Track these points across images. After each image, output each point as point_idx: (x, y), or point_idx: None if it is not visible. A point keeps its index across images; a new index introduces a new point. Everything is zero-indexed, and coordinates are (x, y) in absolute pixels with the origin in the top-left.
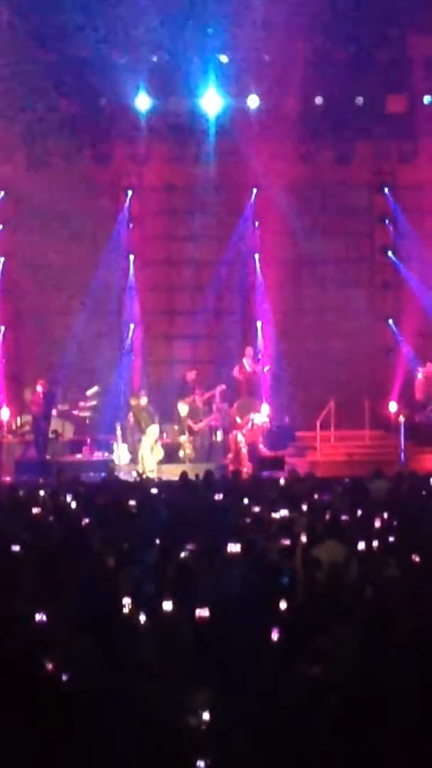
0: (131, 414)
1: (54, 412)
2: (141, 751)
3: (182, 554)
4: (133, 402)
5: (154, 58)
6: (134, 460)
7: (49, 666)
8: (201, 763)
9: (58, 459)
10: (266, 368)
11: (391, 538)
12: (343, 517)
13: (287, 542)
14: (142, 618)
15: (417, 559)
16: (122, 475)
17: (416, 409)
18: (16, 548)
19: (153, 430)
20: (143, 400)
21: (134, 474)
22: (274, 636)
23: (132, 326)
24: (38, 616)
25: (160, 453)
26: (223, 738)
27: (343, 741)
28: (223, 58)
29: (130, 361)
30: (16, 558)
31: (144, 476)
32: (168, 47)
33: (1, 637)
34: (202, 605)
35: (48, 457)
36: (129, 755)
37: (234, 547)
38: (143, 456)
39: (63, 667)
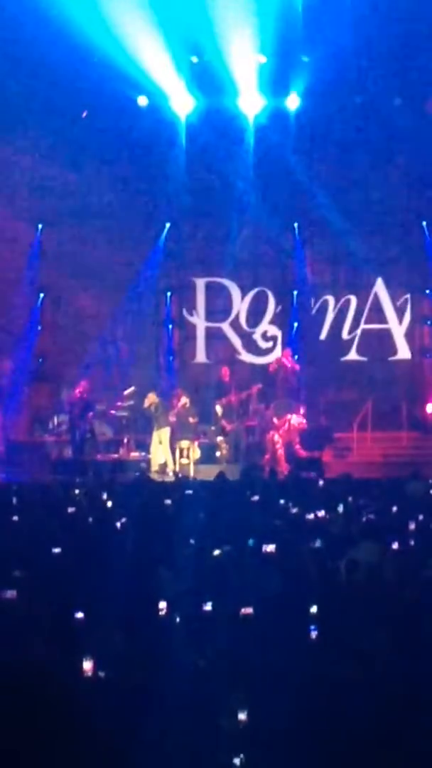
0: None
1: (91, 412)
2: (177, 749)
3: (217, 554)
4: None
5: (194, 59)
6: (171, 460)
7: (87, 665)
8: (237, 761)
9: (95, 459)
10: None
11: (427, 540)
12: (379, 519)
13: (323, 543)
14: (178, 618)
15: None
16: (158, 476)
17: None
18: (57, 550)
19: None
20: (153, 398)
21: (171, 473)
22: (312, 636)
23: (170, 326)
24: (77, 615)
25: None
26: (260, 738)
27: (380, 741)
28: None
29: (169, 361)
30: (55, 559)
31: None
32: (206, 48)
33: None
34: (244, 604)
35: (86, 457)
36: (165, 754)
37: (269, 548)
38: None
39: (101, 666)
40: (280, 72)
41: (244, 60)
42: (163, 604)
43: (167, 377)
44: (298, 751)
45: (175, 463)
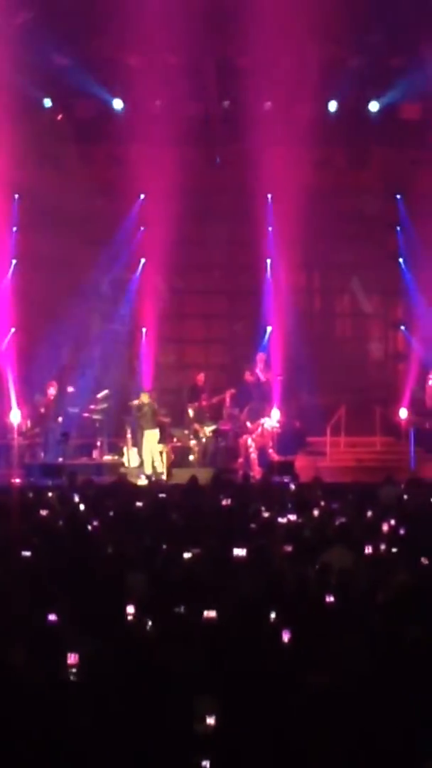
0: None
1: (62, 416)
2: (147, 752)
3: (188, 558)
4: (139, 401)
5: (171, 61)
6: (144, 463)
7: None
8: (206, 763)
9: (68, 462)
10: (279, 377)
11: (400, 544)
12: (352, 523)
13: (296, 547)
14: (149, 622)
15: (426, 562)
16: (132, 479)
17: (427, 415)
18: (26, 553)
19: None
20: (145, 398)
21: (143, 477)
22: (284, 642)
23: (144, 330)
24: (50, 617)
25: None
26: (230, 743)
27: (350, 749)
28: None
29: (142, 364)
30: (26, 562)
31: (153, 479)
32: (183, 50)
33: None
34: (209, 608)
35: (59, 460)
36: (135, 756)
37: (240, 552)
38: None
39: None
40: None
41: None
42: (131, 609)
43: (140, 380)
44: (269, 756)
45: (163, 465)
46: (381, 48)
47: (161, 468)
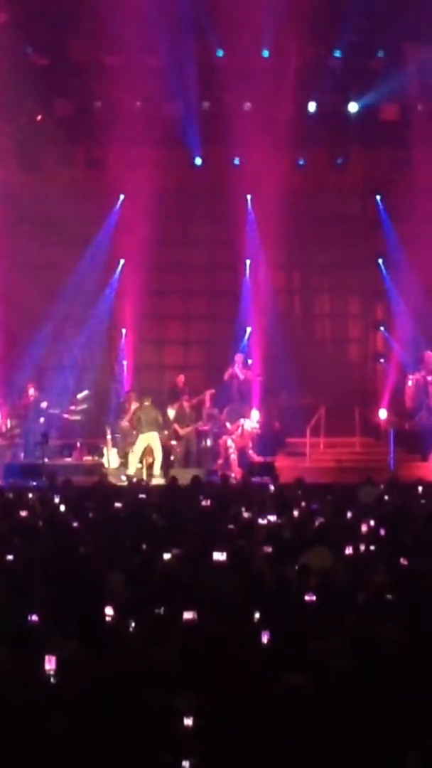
0: (133, 414)
1: (42, 417)
2: (127, 752)
3: (167, 559)
4: (139, 403)
5: (150, 61)
6: (124, 464)
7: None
8: (186, 764)
9: (48, 462)
10: (259, 378)
11: (379, 545)
12: (332, 524)
13: (275, 548)
14: (128, 622)
15: (405, 563)
16: (112, 479)
17: (406, 416)
18: (9, 557)
19: (146, 437)
20: (147, 401)
21: (124, 478)
22: (263, 642)
23: (123, 331)
24: (31, 618)
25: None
26: (209, 743)
27: (329, 749)
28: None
29: (122, 365)
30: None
31: (134, 479)
32: (163, 50)
33: None
34: (188, 608)
35: (38, 461)
36: (115, 757)
37: (220, 555)
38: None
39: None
40: None
41: None
42: (110, 611)
43: (120, 382)
44: (248, 756)
45: (160, 467)
46: (360, 49)
47: (158, 470)
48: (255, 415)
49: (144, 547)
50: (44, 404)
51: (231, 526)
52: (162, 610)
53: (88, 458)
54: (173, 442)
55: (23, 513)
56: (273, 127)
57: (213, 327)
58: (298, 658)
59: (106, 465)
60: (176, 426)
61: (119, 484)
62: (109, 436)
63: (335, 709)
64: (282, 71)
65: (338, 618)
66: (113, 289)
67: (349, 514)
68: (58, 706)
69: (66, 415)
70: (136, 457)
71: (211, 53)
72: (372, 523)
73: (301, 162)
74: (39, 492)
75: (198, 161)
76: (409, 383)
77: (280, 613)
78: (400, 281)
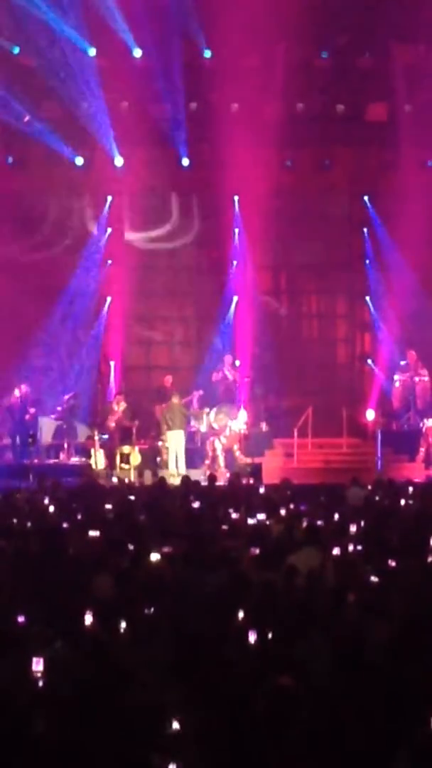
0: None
1: (29, 416)
2: (115, 754)
3: (156, 559)
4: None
5: (135, 62)
6: (111, 465)
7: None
8: (173, 766)
9: (36, 463)
10: (246, 379)
11: (367, 545)
12: (320, 524)
13: (263, 549)
14: (116, 624)
15: (393, 564)
16: (100, 480)
17: (393, 417)
18: None
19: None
20: (175, 399)
21: (113, 479)
22: (250, 643)
23: (110, 332)
24: (19, 619)
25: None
26: (196, 743)
27: (316, 750)
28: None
29: (109, 366)
30: None
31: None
32: (151, 51)
33: None
34: (183, 609)
35: (26, 461)
36: (104, 758)
37: (209, 554)
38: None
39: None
40: None
41: None
42: (98, 612)
43: (109, 383)
44: (234, 758)
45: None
46: (347, 49)
47: (183, 468)
48: (242, 415)
49: (132, 547)
50: (32, 410)
51: (221, 527)
52: (151, 610)
53: (76, 459)
54: (159, 443)
55: (12, 514)
56: (260, 128)
57: (200, 328)
58: (286, 659)
59: (93, 466)
60: (164, 427)
61: (108, 484)
62: (96, 438)
63: (323, 709)
64: (269, 72)
65: (326, 618)
66: (100, 290)
67: (336, 515)
68: (46, 708)
69: (53, 416)
70: (172, 456)
71: (199, 54)
72: (360, 523)
73: (288, 163)
74: (27, 493)
75: (185, 162)
76: (396, 384)
77: (267, 614)
78: (387, 281)
